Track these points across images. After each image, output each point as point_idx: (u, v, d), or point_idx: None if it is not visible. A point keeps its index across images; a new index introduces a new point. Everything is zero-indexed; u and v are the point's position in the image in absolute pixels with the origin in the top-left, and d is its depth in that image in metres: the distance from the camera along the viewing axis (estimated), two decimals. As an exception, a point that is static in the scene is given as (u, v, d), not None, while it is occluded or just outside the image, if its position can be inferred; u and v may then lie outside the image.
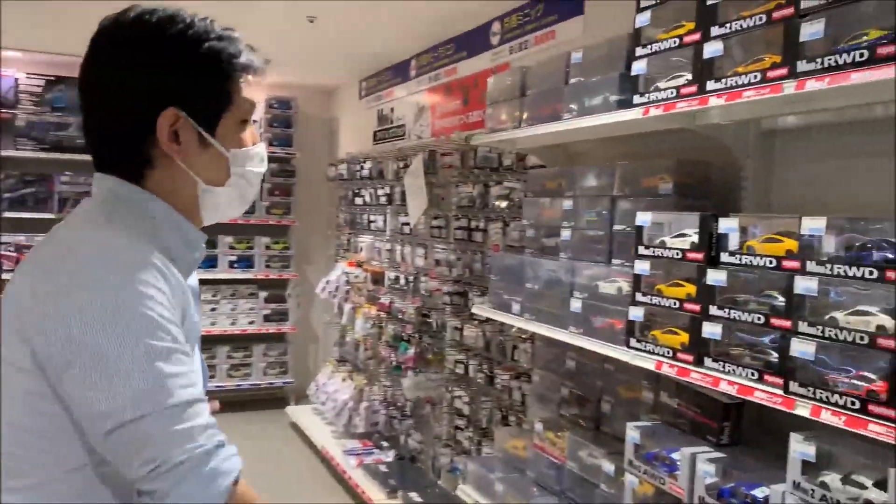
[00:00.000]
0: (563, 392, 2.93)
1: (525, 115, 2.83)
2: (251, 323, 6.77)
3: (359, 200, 6.00)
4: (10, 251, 5.82)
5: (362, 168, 5.86)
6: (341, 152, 6.78)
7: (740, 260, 1.89)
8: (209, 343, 6.38)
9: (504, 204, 3.79)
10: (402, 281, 5.09)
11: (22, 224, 5.90)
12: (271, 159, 6.73)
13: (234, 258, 6.69)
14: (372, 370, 5.66)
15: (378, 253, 5.66)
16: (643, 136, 2.53)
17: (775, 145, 2.27)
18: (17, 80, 5.98)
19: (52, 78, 6.03)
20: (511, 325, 3.42)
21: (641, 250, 2.20)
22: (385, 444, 5.21)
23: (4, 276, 5.45)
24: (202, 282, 1.79)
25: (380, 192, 5.53)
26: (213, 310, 6.60)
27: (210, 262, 6.55)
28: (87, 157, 1.31)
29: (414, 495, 4.18)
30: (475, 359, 4.05)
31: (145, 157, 1.26)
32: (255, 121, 1.49)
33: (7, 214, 5.90)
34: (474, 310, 3.21)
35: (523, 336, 3.53)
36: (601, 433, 2.71)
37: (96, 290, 1.10)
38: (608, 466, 2.43)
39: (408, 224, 4.95)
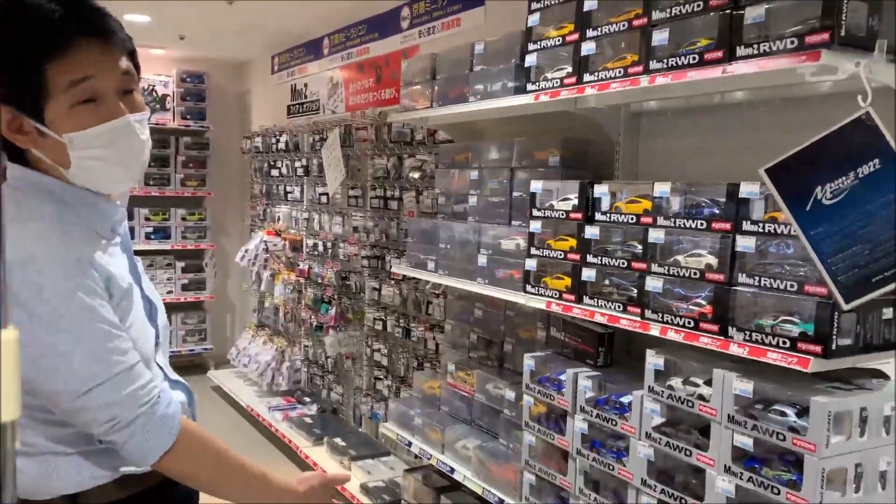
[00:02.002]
0: (472, 338, 3.40)
1: (436, 96, 3.24)
2: (169, 292, 6.94)
3: (275, 172, 6.25)
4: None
5: (278, 141, 6.10)
6: (254, 125, 6.98)
7: (610, 218, 2.37)
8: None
9: (417, 175, 4.19)
10: (321, 247, 5.43)
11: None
12: (185, 132, 6.94)
13: (150, 230, 6.83)
14: (292, 332, 5.99)
15: (295, 222, 5.95)
16: (534, 117, 2.99)
17: (641, 125, 2.77)
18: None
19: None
20: (426, 282, 3.85)
21: (535, 212, 2.66)
22: (308, 399, 5.57)
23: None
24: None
25: (297, 164, 5.80)
26: (130, 280, 6.71)
27: (127, 234, 6.66)
28: None
29: (338, 440, 4.58)
30: (392, 315, 4.47)
31: (11, 145, 1.26)
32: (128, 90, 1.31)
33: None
34: (394, 269, 3.62)
35: (436, 292, 3.97)
36: (504, 369, 3.20)
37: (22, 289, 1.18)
38: (510, 394, 2.91)
39: (325, 194, 5.27)
